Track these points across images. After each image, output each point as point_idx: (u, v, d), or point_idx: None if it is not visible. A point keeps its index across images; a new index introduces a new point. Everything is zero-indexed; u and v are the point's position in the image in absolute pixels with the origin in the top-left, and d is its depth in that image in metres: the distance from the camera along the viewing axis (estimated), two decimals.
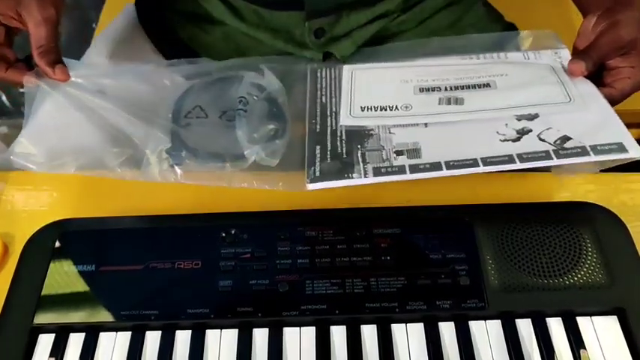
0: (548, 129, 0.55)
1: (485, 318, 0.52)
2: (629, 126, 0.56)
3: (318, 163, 0.56)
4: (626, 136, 0.54)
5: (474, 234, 0.55)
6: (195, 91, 0.65)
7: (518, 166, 0.52)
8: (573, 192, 0.62)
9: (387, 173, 0.54)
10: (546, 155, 0.53)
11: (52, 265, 0.55)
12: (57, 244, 0.57)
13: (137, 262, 0.55)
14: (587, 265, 0.53)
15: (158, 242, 0.56)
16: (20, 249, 0.60)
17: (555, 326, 0.51)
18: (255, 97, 0.63)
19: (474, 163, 0.53)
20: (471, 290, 0.52)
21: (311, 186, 0.54)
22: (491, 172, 0.53)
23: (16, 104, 1.53)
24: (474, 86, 0.61)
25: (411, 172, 0.53)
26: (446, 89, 0.62)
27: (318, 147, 0.58)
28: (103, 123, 0.60)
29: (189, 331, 0.51)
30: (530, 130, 0.55)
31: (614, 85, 0.59)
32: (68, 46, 1.35)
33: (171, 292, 0.53)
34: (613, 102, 0.59)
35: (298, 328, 0.51)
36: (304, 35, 0.70)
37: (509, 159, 0.53)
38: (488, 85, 0.61)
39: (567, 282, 0.52)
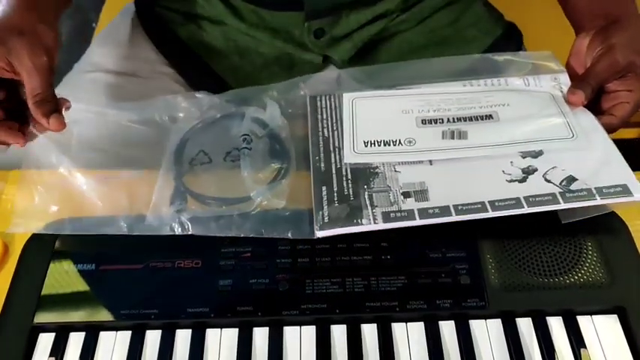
0: (553, 168, 0.56)
1: (485, 317, 0.52)
2: (629, 125, 0.56)
3: (325, 208, 0.55)
4: (629, 177, 0.54)
5: (474, 233, 0.55)
6: (197, 134, 0.64)
7: (526, 210, 0.53)
8: None
9: (397, 219, 0.53)
10: (553, 199, 0.53)
11: (52, 264, 0.55)
12: (57, 243, 0.57)
13: (137, 262, 0.55)
14: (587, 264, 0.53)
15: (158, 242, 0.56)
16: (20, 248, 0.60)
17: (556, 325, 0.51)
18: (258, 135, 0.62)
19: (482, 207, 0.53)
20: (472, 289, 0.52)
21: (320, 233, 0.53)
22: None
23: None
24: (476, 118, 0.62)
25: (421, 217, 0.53)
26: (448, 121, 0.62)
27: (324, 188, 0.57)
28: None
29: (190, 330, 0.51)
30: (536, 170, 0.56)
31: (613, 111, 0.59)
32: (68, 47, 1.35)
33: (171, 292, 0.53)
34: (613, 129, 0.59)
35: (298, 327, 0.51)
36: (304, 36, 0.71)
37: (517, 203, 0.53)
38: (490, 116, 0.62)
39: (567, 281, 0.52)
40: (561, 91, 0.64)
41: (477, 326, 0.51)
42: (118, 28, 0.80)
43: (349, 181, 0.58)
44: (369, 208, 0.55)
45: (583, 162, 0.56)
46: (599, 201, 0.53)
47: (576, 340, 0.50)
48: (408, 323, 0.52)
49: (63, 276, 0.55)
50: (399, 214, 0.53)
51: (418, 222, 0.53)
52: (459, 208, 0.53)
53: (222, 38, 0.75)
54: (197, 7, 0.75)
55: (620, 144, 0.59)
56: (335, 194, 0.57)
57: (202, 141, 0.63)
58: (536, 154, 0.58)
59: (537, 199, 0.53)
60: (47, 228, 0.58)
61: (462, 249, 0.54)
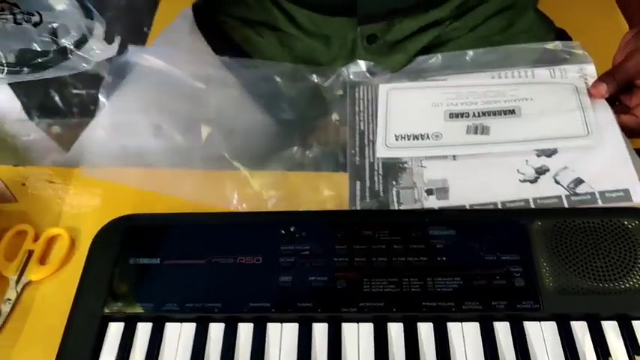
0: (564, 168, 0.61)
1: (540, 319, 0.52)
2: None
3: (358, 203, 0.61)
4: (633, 182, 0.58)
5: (528, 237, 0.56)
6: None
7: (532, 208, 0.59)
8: None
9: None
10: (559, 202, 0.59)
11: (119, 257, 0.58)
12: (123, 237, 0.59)
13: (200, 257, 0.57)
14: None
15: (220, 238, 0.58)
16: (85, 243, 0.63)
17: (611, 330, 0.52)
18: None
19: (494, 209, 0.59)
20: (526, 292, 0.53)
21: None
22: None
23: (67, 105, 1.58)
24: (499, 112, 0.66)
25: None
26: (474, 115, 0.66)
27: (358, 183, 0.63)
28: None
29: (251, 324, 0.53)
30: (548, 170, 0.61)
31: (635, 111, 0.60)
32: (120, 49, 1.39)
33: (233, 286, 0.55)
34: (632, 130, 0.59)
35: (356, 324, 0.53)
36: (357, 41, 0.72)
37: (525, 204, 0.59)
38: (513, 111, 0.66)
39: (623, 286, 0.53)
40: (585, 83, 0.67)
41: (531, 328, 0.52)
42: (176, 33, 0.83)
43: (380, 176, 0.63)
44: (396, 205, 0.60)
45: (592, 162, 0.60)
46: (599, 204, 0.57)
47: (632, 346, 0.51)
48: (464, 323, 0.53)
49: (130, 269, 0.57)
50: None
51: None
52: (474, 207, 0.59)
53: (277, 44, 0.78)
54: (253, 13, 0.77)
55: None
56: (367, 190, 0.63)
57: None
58: (551, 153, 0.62)
59: (545, 201, 0.58)
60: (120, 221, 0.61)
61: (516, 252, 0.55)
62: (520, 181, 0.61)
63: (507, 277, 0.54)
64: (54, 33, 0.48)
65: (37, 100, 1.60)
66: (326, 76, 0.71)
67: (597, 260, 0.55)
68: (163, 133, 0.69)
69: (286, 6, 0.73)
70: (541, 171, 0.61)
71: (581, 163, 0.60)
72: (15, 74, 0.48)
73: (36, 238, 0.64)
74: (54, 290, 0.61)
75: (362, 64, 0.71)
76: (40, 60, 0.47)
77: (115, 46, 0.52)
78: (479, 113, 0.66)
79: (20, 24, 0.47)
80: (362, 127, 0.68)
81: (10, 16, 0.48)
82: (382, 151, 0.65)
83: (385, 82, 0.71)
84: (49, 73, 0.49)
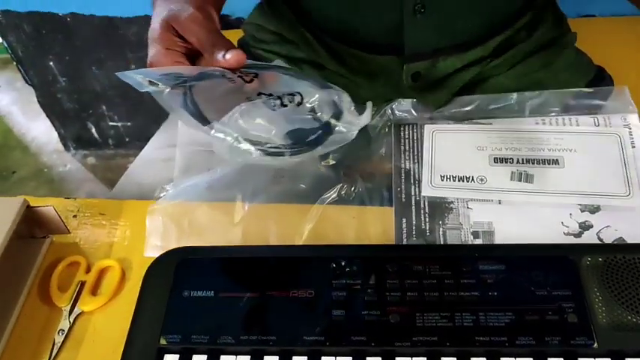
0: (607, 227, 0.62)
1: (594, 356, 0.52)
2: None
3: (405, 240, 0.63)
4: None
5: (579, 272, 0.57)
6: None
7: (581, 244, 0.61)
8: None
9: None
10: None
11: (173, 289, 0.59)
12: (177, 269, 0.61)
13: (254, 290, 0.58)
14: None
15: (272, 271, 0.59)
16: (136, 275, 0.65)
17: None
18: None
19: (542, 244, 0.61)
20: (579, 328, 0.53)
21: None
22: None
23: (103, 136, 1.62)
24: (543, 161, 0.67)
25: None
26: (518, 161, 0.68)
27: (404, 220, 0.65)
28: None
29: (305, 358, 0.54)
30: (591, 226, 0.63)
31: None
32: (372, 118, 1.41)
33: (287, 320, 0.56)
34: None
35: (410, 358, 0.53)
36: (402, 79, 0.74)
37: None
38: (557, 161, 0.67)
39: None
40: (630, 134, 0.68)
41: None
42: None
43: (426, 215, 0.65)
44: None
45: (635, 223, 0.62)
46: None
47: None
48: (517, 359, 0.53)
49: (184, 301, 0.58)
50: None
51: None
52: (523, 244, 0.60)
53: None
54: (298, 51, 0.79)
55: None
56: (413, 228, 0.64)
57: None
58: (594, 210, 0.64)
59: None
60: (173, 253, 0.62)
61: (567, 288, 0.56)
62: (564, 233, 0.62)
63: (560, 312, 0.54)
64: (313, 110, 0.50)
65: (73, 131, 1.64)
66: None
67: None
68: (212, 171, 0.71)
69: (334, 45, 0.75)
70: (585, 226, 0.63)
71: (624, 224, 0.62)
72: (296, 154, 0.51)
73: (88, 270, 0.66)
74: (106, 321, 0.62)
75: (407, 102, 0.73)
76: (312, 137, 0.50)
77: (368, 114, 0.53)
78: (523, 160, 0.68)
79: (286, 106, 0.50)
80: (407, 166, 0.69)
81: (277, 101, 0.51)
82: (428, 190, 0.67)
83: (429, 119, 0.72)
84: (323, 149, 0.52)
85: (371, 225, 0.67)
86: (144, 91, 0.50)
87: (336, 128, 0.51)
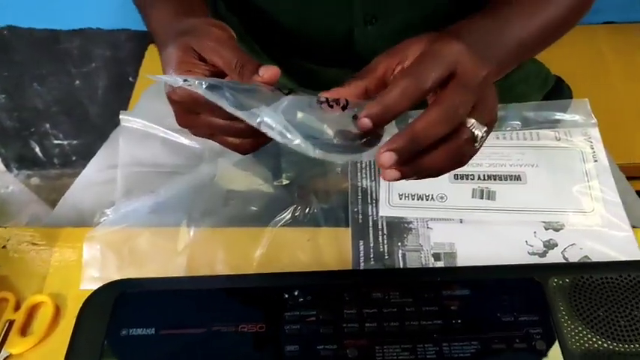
0: (571, 245, 0.60)
1: None
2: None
3: (362, 265, 0.59)
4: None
5: (545, 295, 0.54)
6: None
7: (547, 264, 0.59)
8: None
9: None
10: None
11: (110, 327, 0.54)
12: (115, 305, 0.55)
13: (199, 325, 0.53)
14: None
15: (219, 304, 0.55)
16: (72, 311, 0.59)
17: None
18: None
19: (508, 265, 0.58)
20: (548, 355, 0.50)
21: None
22: None
23: (48, 155, 1.55)
24: (505, 177, 0.65)
25: None
26: (479, 178, 0.65)
27: (361, 243, 0.61)
28: None
29: None
30: (556, 245, 0.60)
31: None
32: (106, 97, 1.37)
33: (235, 357, 0.51)
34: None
35: None
36: None
37: None
38: (518, 177, 0.65)
39: None
40: (591, 148, 0.67)
41: None
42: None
43: (384, 236, 0.62)
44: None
45: (599, 241, 0.60)
46: None
47: None
48: None
49: (122, 341, 0.53)
50: None
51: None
52: (487, 265, 0.57)
53: None
54: None
55: None
56: (371, 250, 0.61)
57: None
58: (558, 227, 0.61)
59: None
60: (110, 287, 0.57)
61: (535, 311, 0.53)
62: (529, 253, 0.60)
63: (527, 339, 0.51)
64: (356, 117, 0.46)
65: (15, 151, 1.56)
66: None
67: (620, 319, 0.52)
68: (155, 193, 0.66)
69: (283, 57, 0.71)
70: (549, 245, 0.60)
71: (589, 241, 0.60)
72: (345, 153, 0.46)
73: (17, 307, 0.60)
74: None
75: None
76: (361, 140, 0.45)
77: None
78: (484, 176, 0.65)
79: (332, 107, 0.45)
80: (364, 185, 0.66)
81: (323, 99, 0.46)
82: (386, 210, 0.64)
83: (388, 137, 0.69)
84: (368, 156, 0.47)
85: (326, 248, 0.63)
86: (178, 86, 0.45)
87: (383, 137, 0.47)
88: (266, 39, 0.72)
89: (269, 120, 0.44)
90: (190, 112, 0.50)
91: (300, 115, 0.45)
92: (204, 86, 0.45)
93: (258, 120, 0.44)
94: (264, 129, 0.44)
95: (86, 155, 1.48)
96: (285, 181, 0.68)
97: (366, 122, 0.43)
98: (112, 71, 1.29)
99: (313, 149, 0.44)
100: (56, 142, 1.49)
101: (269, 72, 0.47)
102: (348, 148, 0.46)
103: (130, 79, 1.28)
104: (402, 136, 0.43)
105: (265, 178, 0.69)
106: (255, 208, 0.67)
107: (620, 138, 0.86)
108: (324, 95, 0.45)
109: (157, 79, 0.47)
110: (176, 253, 0.63)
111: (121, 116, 0.74)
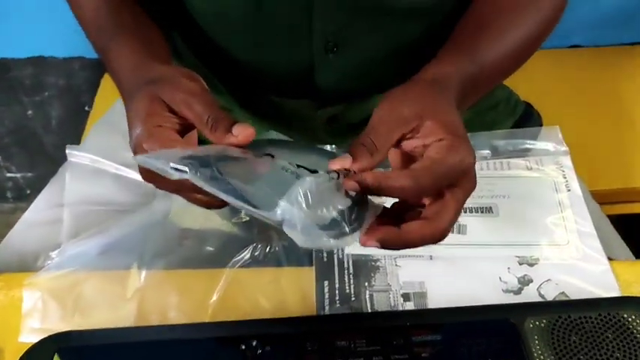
0: (547, 281, 0.57)
1: None
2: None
3: (327, 308, 0.56)
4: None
5: (522, 337, 0.50)
6: None
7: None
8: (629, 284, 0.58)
9: None
10: None
11: None
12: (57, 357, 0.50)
13: None
14: None
15: (171, 357, 0.50)
16: None
17: None
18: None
19: (481, 305, 0.54)
20: None
21: None
22: None
23: (0, 189, 1.48)
24: (476, 210, 0.62)
25: None
26: None
27: (326, 283, 0.58)
28: None
29: None
30: (531, 281, 0.57)
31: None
32: (60, 128, 1.31)
33: None
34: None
35: None
36: (317, 124, 0.67)
37: None
38: (490, 209, 0.62)
39: None
40: (564, 177, 0.64)
41: None
42: (118, 115, 0.76)
43: (351, 276, 0.58)
44: (369, 311, 0.55)
45: (575, 275, 0.57)
46: None
47: None
48: None
49: None
50: None
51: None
52: (459, 307, 0.54)
53: None
54: None
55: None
56: (337, 291, 0.57)
57: None
58: (532, 262, 0.59)
59: None
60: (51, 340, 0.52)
61: (511, 356, 0.49)
62: (503, 290, 0.57)
63: None
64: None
65: None
66: None
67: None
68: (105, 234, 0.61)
69: (239, 87, 0.68)
70: (524, 282, 0.57)
71: (565, 276, 0.57)
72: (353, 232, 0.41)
73: None
74: None
75: (325, 149, 0.66)
76: (354, 214, 0.41)
77: None
78: None
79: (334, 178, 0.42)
80: None
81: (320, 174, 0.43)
82: (352, 247, 0.59)
83: None
84: (365, 227, 0.43)
85: (289, 290, 0.59)
86: (175, 179, 0.40)
87: (371, 202, 0.44)
88: (223, 71, 0.68)
89: (291, 218, 0.39)
90: None
91: (311, 201, 0.40)
92: (201, 175, 0.40)
93: (279, 218, 0.39)
94: (288, 229, 0.39)
95: (41, 189, 1.42)
96: (244, 218, 0.63)
97: (353, 185, 0.41)
98: (66, 100, 1.24)
99: (334, 240, 0.40)
100: (9, 174, 1.42)
101: (244, 132, 0.43)
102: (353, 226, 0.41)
103: (87, 108, 1.23)
104: (392, 233, 0.42)
105: (223, 214, 0.65)
106: (211, 248, 0.62)
107: (592, 164, 0.85)
108: (335, 169, 0.43)
109: (146, 164, 0.42)
110: (125, 299, 0.58)
111: (67, 151, 0.69)
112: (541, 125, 0.76)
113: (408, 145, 0.45)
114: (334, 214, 0.40)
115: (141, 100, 0.45)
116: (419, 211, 0.44)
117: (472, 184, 0.45)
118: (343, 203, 0.41)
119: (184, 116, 0.45)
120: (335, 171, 0.43)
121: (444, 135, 0.43)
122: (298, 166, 0.44)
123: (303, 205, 0.39)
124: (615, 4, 1.09)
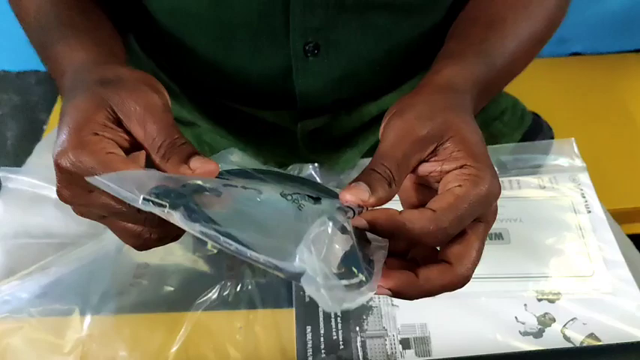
0: (572, 320, 0.50)
1: None
2: None
3: (310, 359, 0.49)
4: None
5: None
6: None
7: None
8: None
9: None
10: None
11: None
12: None
13: None
14: None
15: None
16: None
17: None
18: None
19: (490, 355, 0.48)
20: None
21: None
22: None
23: None
24: None
25: None
26: None
27: (309, 329, 0.50)
28: None
29: None
30: (554, 321, 0.50)
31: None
32: (16, 149, 1.22)
33: None
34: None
35: None
36: (296, 138, 0.59)
37: None
38: (500, 236, 0.55)
39: None
40: (582, 196, 0.57)
41: None
42: None
43: (339, 319, 0.51)
44: None
45: (606, 312, 0.50)
46: None
47: None
48: None
49: None
50: None
51: None
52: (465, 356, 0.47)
53: (194, 142, 0.62)
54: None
55: None
56: (322, 339, 0.50)
57: None
58: (553, 298, 0.51)
59: None
60: None
61: None
62: (521, 333, 0.49)
63: None
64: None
65: None
66: None
67: None
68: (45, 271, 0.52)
69: (205, 97, 0.59)
70: (545, 322, 0.50)
71: (592, 313, 0.50)
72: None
73: None
74: None
75: (306, 166, 0.57)
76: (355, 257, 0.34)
77: None
78: None
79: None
80: None
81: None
82: None
83: (336, 187, 0.57)
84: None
85: (264, 337, 0.50)
86: (147, 210, 0.31)
87: (373, 243, 0.36)
88: (186, 78, 0.59)
89: (312, 271, 0.30)
90: (79, 186, 0.36)
91: (327, 251, 0.32)
92: (187, 213, 0.31)
93: (297, 270, 0.30)
94: (306, 285, 0.30)
95: None
96: (211, 251, 0.54)
97: (362, 223, 0.34)
98: (22, 118, 1.14)
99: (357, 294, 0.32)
100: None
101: (203, 168, 0.35)
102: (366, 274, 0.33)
103: (44, 126, 1.14)
104: (409, 282, 0.35)
105: (186, 246, 0.56)
106: (171, 288, 0.53)
107: (606, 181, 0.78)
108: (350, 201, 0.35)
109: (108, 188, 0.32)
110: (62, 353, 0.48)
111: (1, 174, 0.59)
112: (552, 138, 0.68)
113: (423, 169, 0.37)
114: (344, 258, 0.32)
115: (83, 100, 0.36)
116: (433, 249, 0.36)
117: (494, 217, 0.37)
118: (345, 243, 0.33)
119: (133, 134, 0.36)
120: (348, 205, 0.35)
121: (467, 161, 0.35)
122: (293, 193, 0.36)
123: (323, 253, 0.30)
124: (616, 11, 1.06)
